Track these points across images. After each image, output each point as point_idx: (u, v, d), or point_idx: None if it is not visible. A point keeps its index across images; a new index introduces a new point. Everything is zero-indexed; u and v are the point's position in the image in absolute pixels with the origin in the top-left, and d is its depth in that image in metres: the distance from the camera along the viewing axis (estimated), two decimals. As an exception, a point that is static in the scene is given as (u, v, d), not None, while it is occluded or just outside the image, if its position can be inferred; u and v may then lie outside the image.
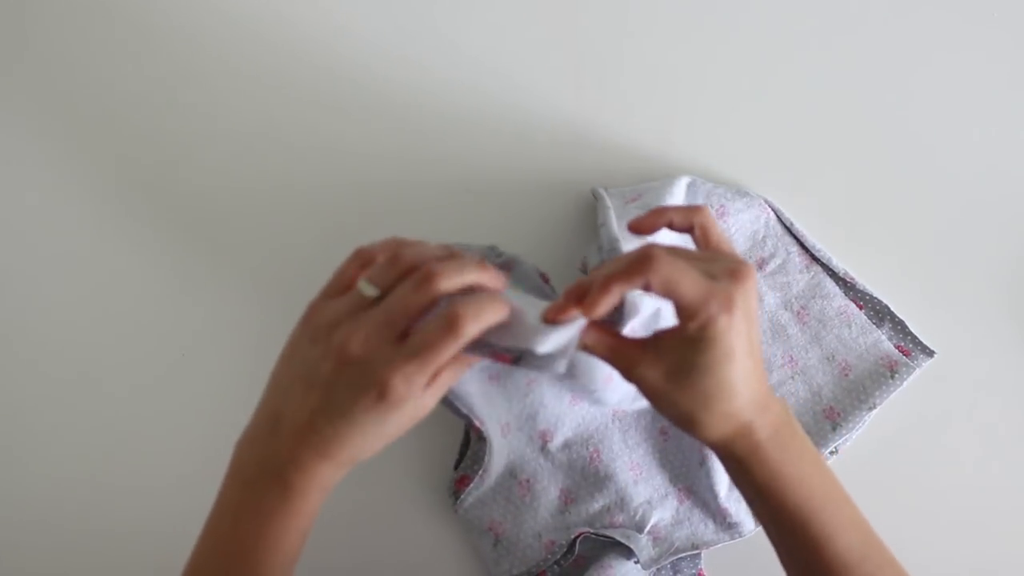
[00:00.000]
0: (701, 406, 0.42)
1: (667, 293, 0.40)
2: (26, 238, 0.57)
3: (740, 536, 0.54)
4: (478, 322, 0.40)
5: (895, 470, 0.56)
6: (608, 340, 0.44)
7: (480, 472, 0.53)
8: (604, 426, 0.55)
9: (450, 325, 0.40)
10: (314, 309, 0.43)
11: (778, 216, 0.56)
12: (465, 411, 0.51)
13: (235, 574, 0.42)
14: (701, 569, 0.54)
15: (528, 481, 0.54)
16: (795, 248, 0.56)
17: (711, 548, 0.54)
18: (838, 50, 0.58)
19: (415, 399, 0.41)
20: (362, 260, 0.44)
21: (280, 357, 0.44)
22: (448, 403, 0.51)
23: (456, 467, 0.55)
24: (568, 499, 0.54)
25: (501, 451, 0.54)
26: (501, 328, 0.41)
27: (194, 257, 0.57)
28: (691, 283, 0.40)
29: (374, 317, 0.41)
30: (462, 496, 0.54)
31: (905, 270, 0.58)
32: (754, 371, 0.42)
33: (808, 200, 0.57)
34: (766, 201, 0.56)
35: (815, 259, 0.56)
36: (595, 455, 0.54)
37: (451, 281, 0.41)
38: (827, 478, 0.44)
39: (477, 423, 0.51)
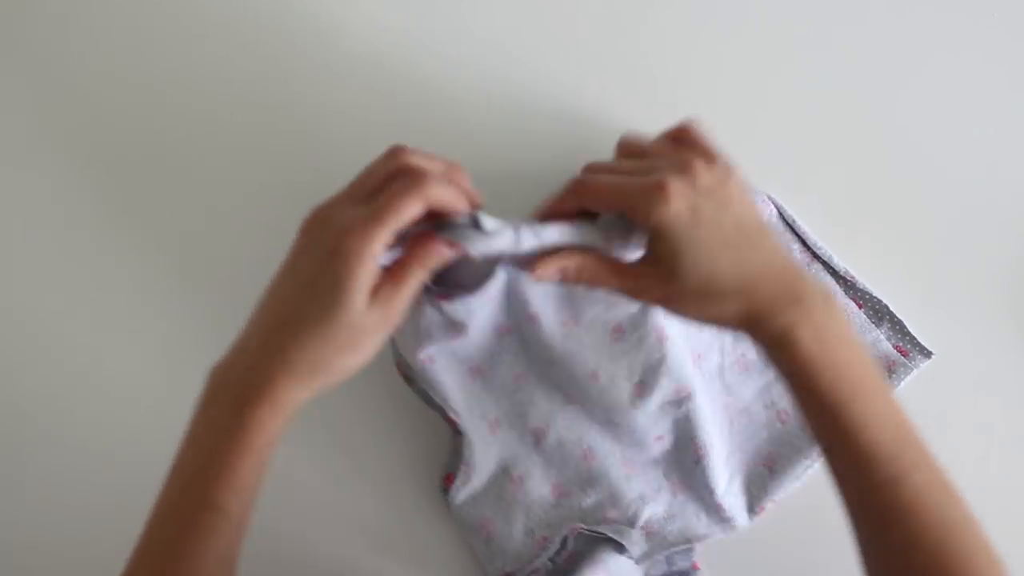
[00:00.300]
0: (697, 304, 0.42)
1: (605, 207, 0.42)
2: (25, 237, 0.57)
3: (734, 530, 0.54)
4: (441, 190, 0.40)
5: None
6: (608, 266, 0.43)
7: (463, 468, 0.52)
8: (597, 426, 0.54)
9: (415, 181, 0.39)
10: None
11: (780, 213, 0.56)
12: (439, 401, 0.50)
13: (190, 505, 0.39)
14: (695, 562, 0.54)
15: (520, 478, 0.54)
16: (796, 245, 0.56)
17: (705, 541, 0.54)
18: (840, 49, 0.58)
19: (374, 287, 0.39)
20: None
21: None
22: (421, 391, 0.51)
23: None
24: (560, 494, 0.54)
25: (488, 448, 0.53)
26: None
27: (193, 256, 0.57)
28: (613, 188, 0.41)
29: (354, 195, 0.41)
30: (451, 493, 0.53)
31: (905, 270, 0.58)
32: (742, 260, 0.41)
33: (809, 198, 0.57)
34: (769, 197, 0.56)
35: (816, 256, 0.56)
36: (588, 452, 0.54)
37: (440, 187, 0.40)
38: (863, 369, 0.41)
39: (452, 415, 0.51)
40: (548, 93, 0.58)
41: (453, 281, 0.45)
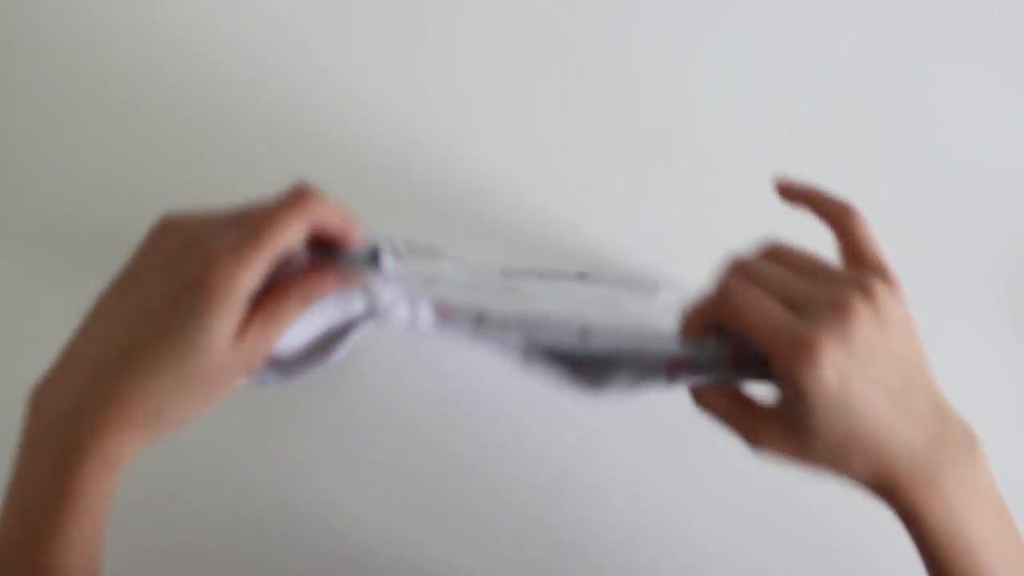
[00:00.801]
0: (822, 460, 0.36)
1: (748, 334, 0.34)
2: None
3: None
4: (331, 211, 0.34)
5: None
6: (726, 401, 0.38)
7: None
8: None
9: (298, 198, 0.34)
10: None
11: None
12: None
13: (25, 570, 0.33)
14: None
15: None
16: None
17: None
18: (838, 46, 0.58)
19: (237, 319, 0.32)
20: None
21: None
22: None
23: None
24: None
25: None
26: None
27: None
28: (759, 321, 0.34)
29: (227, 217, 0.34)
30: None
31: (904, 269, 0.58)
32: (890, 420, 0.35)
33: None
34: None
35: None
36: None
37: (330, 208, 0.34)
38: (999, 533, 0.37)
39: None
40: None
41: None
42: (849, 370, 0.33)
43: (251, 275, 0.32)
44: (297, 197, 0.34)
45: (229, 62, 0.57)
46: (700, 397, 0.38)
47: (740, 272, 0.36)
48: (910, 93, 0.59)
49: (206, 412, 0.34)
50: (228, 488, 0.52)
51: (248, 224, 0.33)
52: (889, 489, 0.36)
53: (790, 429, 0.35)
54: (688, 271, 0.52)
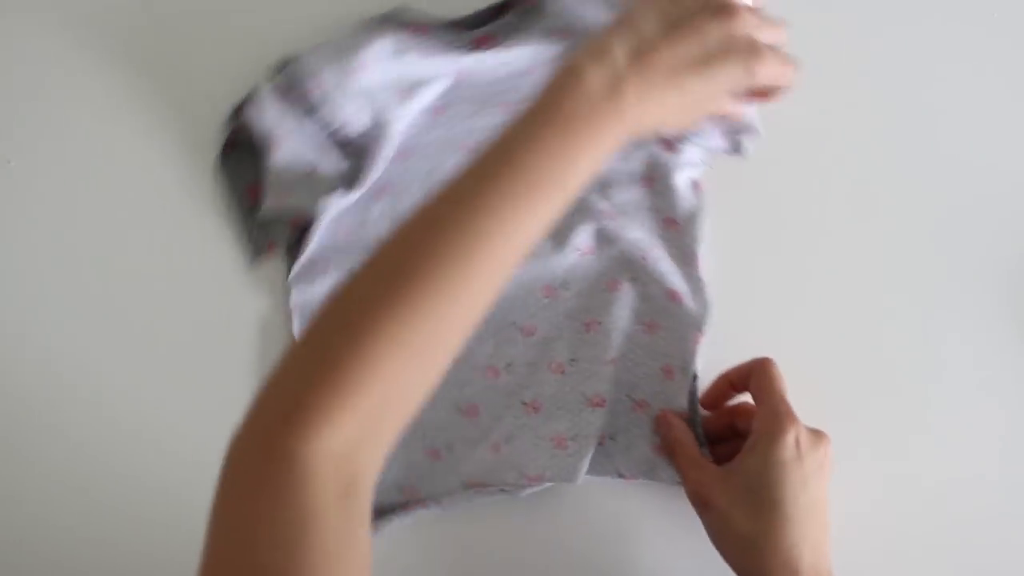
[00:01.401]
0: (730, 506, 0.46)
1: (759, 392, 0.49)
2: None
3: None
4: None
5: (894, 471, 0.56)
6: (674, 433, 0.50)
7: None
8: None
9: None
10: None
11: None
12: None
13: (516, 194, 0.37)
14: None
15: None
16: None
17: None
18: (840, 48, 0.58)
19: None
20: None
21: (634, 6, 0.43)
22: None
23: None
24: None
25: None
26: None
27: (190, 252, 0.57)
28: (782, 393, 0.48)
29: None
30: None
31: (904, 269, 0.58)
32: (796, 522, 0.45)
33: (809, 196, 0.58)
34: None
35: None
36: None
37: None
38: None
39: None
40: None
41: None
42: (805, 453, 0.46)
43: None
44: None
45: None
46: (671, 434, 0.51)
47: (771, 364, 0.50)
48: (910, 93, 0.59)
49: None
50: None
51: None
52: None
53: (723, 478, 0.47)
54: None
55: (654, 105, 0.40)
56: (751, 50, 0.42)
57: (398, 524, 0.52)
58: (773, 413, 0.47)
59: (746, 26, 0.42)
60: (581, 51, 0.41)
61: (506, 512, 0.53)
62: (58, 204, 0.57)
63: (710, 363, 0.55)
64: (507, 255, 0.37)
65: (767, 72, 0.43)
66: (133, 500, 0.55)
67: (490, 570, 0.53)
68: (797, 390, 0.56)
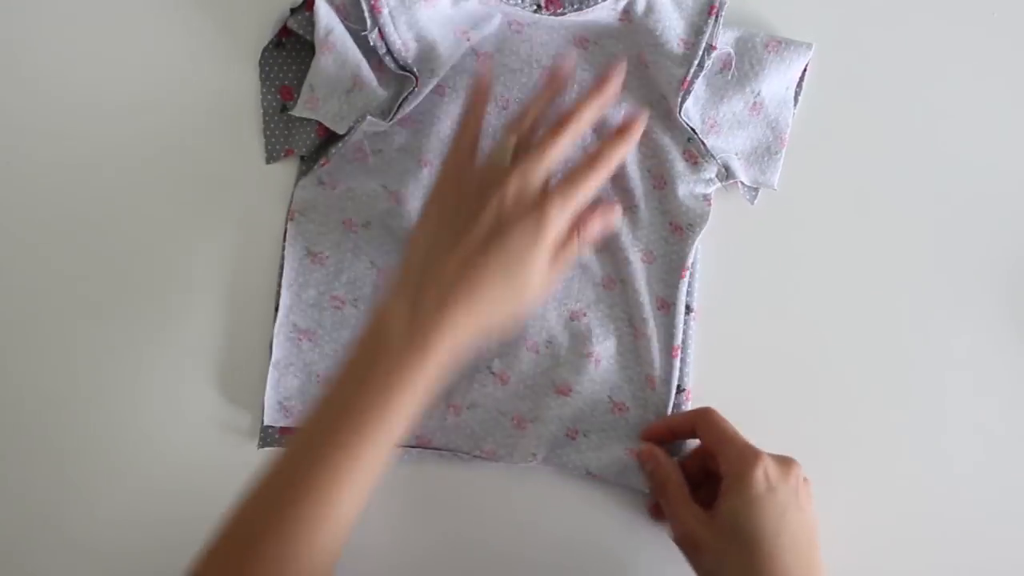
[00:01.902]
0: (706, 545, 0.47)
1: (711, 441, 0.50)
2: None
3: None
4: (610, 165, 0.47)
5: (894, 471, 0.56)
6: (664, 472, 0.51)
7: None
8: None
9: (591, 163, 0.47)
10: (452, 180, 0.47)
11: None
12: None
13: (348, 444, 0.42)
14: None
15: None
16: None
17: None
18: (840, 48, 0.58)
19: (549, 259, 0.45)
20: (473, 130, 0.49)
21: (418, 225, 0.47)
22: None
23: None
24: None
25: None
26: None
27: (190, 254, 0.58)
28: (731, 437, 0.49)
29: (526, 158, 0.46)
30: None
31: (905, 269, 0.58)
32: (797, 562, 0.46)
33: (809, 196, 0.58)
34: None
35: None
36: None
37: (592, 113, 0.48)
38: None
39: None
40: None
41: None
42: (777, 486, 0.47)
43: (566, 218, 0.46)
44: (599, 158, 0.47)
45: None
46: (657, 470, 0.52)
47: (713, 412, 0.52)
48: (909, 93, 0.58)
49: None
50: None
51: (565, 178, 0.47)
52: None
53: (715, 522, 0.48)
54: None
55: (465, 319, 0.44)
56: (534, 204, 0.45)
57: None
58: (736, 455, 0.48)
59: (524, 185, 0.45)
60: (384, 295, 0.46)
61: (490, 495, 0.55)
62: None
63: (711, 364, 0.56)
64: (361, 482, 0.43)
65: (561, 217, 0.45)
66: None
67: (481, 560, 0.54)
68: (795, 391, 0.56)
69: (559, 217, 0.45)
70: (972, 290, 0.58)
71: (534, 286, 0.45)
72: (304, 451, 0.43)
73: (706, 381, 0.55)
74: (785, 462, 0.48)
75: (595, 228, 0.48)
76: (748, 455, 0.47)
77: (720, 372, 0.56)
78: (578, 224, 0.47)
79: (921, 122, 0.58)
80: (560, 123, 0.46)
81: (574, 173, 0.46)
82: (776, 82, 0.55)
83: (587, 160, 0.47)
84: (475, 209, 0.45)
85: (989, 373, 0.57)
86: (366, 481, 0.43)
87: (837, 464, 0.55)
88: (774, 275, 0.58)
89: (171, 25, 0.57)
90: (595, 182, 0.46)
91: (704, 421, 0.51)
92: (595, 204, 0.48)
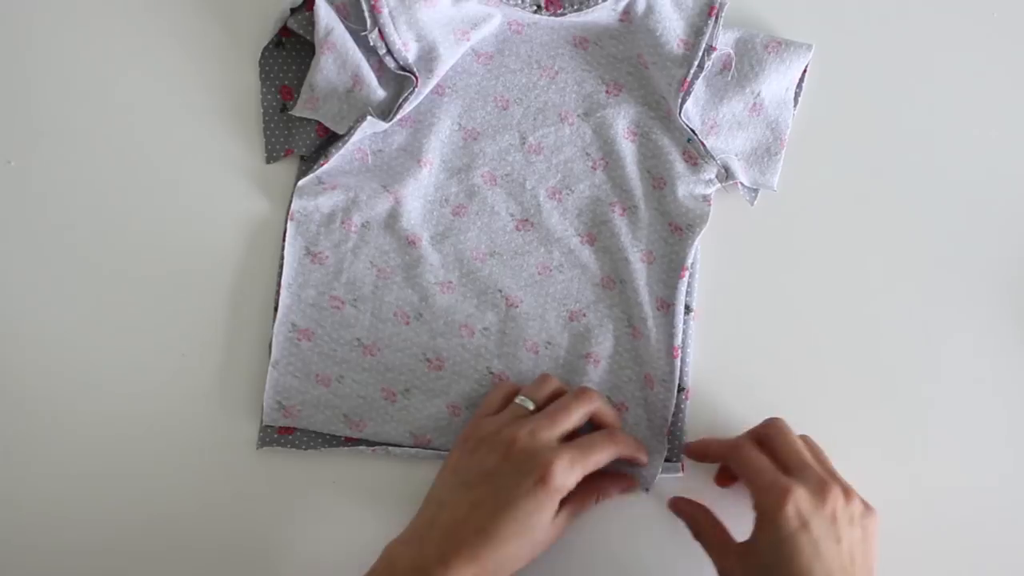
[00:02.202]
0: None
1: (743, 475, 0.48)
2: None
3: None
4: (632, 450, 0.50)
5: (893, 471, 0.56)
6: (695, 519, 0.51)
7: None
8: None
9: (611, 436, 0.49)
10: (473, 427, 0.50)
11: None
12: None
13: None
14: None
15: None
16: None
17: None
18: (841, 48, 0.58)
19: (553, 515, 0.46)
20: (507, 390, 0.52)
21: (438, 476, 0.49)
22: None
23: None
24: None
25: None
26: None
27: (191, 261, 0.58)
28: (759, 468, 0.47)
29: (539, 417, 0.48)
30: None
31: (905, 269, 0.58)
32: None
33: (809, 197, 0.58)
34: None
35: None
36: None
37: (601, 401, 0.51)
38: None
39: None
40: None
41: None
42: (812, 520, 0.45)
43: (573, 479, 0.47)
44: (614, 436, 0.50)
45: None
46: (698, 516, 0.51)
47: (753, 440, 0.50)
48: (909, 93, 0.59)
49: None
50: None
51: (577, 443, 0.48)
52: None
53: (749, 559, 0.46)
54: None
55: (467, 566, 0.44)
56: (533, 455, 0.46)
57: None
58: (765, 491, 0.46)
59: (534, 433, 0.47)
60: (394, 542, 0.47)
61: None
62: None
63: (712, 363, 0.56)
64: None
65: (570, 475, 0.47)
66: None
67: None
68: (795, 391, 0.56)
69: (566, 473, 0.46)
70: (972, 290, 0.58)
71: (537, 535, 0.46)
72: None
73: (706, 381, 0.56)
74: (822, 489, 0.46)
75: (613, 495, 0.52)
76: (776, 492, 0.46)
77: (720, 372, 0.56)
78: (598, 490, 0.51)
79: (921, 123, 0.59)
80: (577, 397, 0.50)
81: (588, 439, 0.49)
82: (776, 83, 0.55)
83: (607, 433, 0.50)
84: (485, 453, 0.48)
85: (989, 374, 0.57)
86: None
87: (837, 464, 0.55)
88: (774, 275, 0.58)
89: (171, 25, 0.57)
90: (606, 457, 0.49)
91: (734, 457, 0.50)
92: (619, 477, 0.52)
